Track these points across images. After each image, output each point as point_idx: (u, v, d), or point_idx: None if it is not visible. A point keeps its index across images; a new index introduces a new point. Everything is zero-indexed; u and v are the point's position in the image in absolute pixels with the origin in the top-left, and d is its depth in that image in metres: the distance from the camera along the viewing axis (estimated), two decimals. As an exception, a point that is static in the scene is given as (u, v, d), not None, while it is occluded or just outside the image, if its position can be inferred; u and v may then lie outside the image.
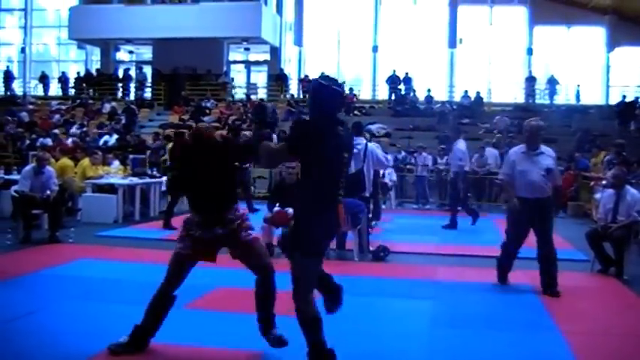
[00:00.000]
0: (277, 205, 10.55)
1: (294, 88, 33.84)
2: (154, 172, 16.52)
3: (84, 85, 34.87)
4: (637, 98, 28.45)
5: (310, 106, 5.16)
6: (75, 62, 38.57)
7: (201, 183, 5.72)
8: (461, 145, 14.87)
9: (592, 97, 31.54)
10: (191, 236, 5.79)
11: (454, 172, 14.96)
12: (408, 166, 21.12)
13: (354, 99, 30.23)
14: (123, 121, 26.83)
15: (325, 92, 5.01)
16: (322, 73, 5.32)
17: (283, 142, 5.15)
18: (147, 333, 5.76)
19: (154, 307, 5.80)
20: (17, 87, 36.35)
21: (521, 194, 8.45)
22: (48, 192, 11.66)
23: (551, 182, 8.47)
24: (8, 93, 34.94)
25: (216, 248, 5.92)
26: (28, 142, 22.57)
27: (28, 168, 12.16)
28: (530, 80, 31.30)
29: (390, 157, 14.13)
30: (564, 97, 31.00)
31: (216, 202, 5.77)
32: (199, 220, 5.78)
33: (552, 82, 30.78)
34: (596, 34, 32.66)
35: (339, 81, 5.21)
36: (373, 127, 24.71)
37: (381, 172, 16.56)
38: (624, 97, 28.45)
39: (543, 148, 8.56)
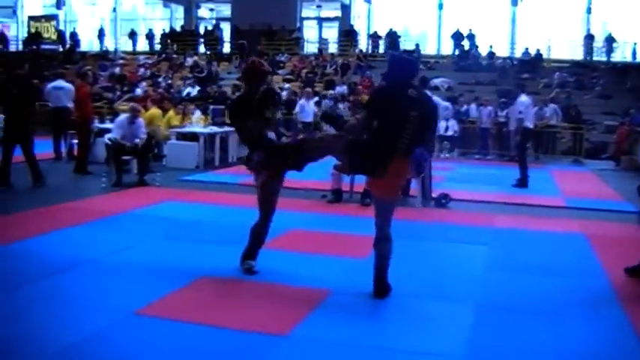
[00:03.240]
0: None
1: (363, 43, 33.56)
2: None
3: (168, 41, 35.24)
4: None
5: (386, 74, 5.75)
6: (160, 20, 38.98)
7: None
8: (523, 99, 13.54)
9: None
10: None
11: (515, 128, 13.81)
12: (469, 119, 20.88)
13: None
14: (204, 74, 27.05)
15: (398, 60, 5.60)
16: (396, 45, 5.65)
17: (364, 111, 5.59)
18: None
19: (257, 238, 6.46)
20: (109, 43, 36.95)
21: None
22: (137, 140, 11.91)
23: None
24: (101, 49, 35.55)
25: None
26: (118, 93, 22.94)
27: (122, 118, 12.37)
28: (589, 38, 30.50)
29: (449, 105, 13.76)
30: (621, 54, 30.14)
31: None
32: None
33: (610, 40, 29.93)
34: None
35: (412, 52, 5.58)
36: (437, 81, 24.48)
37: (444, 123, 16.52)
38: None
39: None
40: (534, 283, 6.38)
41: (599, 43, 30.56)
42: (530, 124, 13.68)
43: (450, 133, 18.31)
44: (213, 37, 34.20)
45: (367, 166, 5.54)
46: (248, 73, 6.43)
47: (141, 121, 12.35)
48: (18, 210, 9.13)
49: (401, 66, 5.54)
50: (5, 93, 11.40)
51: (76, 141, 13.89)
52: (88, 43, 37.39)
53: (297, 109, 17.80)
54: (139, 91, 23.01)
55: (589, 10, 32.22)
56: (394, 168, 5.42)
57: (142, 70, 29.53)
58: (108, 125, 14.21)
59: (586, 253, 7.71)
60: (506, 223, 9.49)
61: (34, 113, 12.16)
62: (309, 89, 20.11)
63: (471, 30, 30.59)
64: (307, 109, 17.30)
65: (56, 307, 5.27)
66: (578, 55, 30.31)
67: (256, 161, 6.12)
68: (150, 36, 35.99)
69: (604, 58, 29.59)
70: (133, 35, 36.32)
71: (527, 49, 29.42)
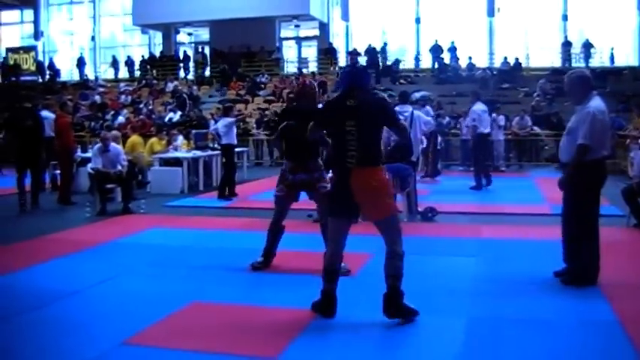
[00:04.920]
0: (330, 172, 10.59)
1: (342, 61, 33.66)
2: (216, 145, 16.68)
3: (148, 67, 35.29)
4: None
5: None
6: (139, 46, 38.95)
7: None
8: (477, 106, 14.52)
9: (626, 58, 30.84)
10: (284, 181, 7.30)
11: (471, 134, 14.83)
12: (452, 131, 20.97)
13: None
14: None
15: (342, 73, 5.81)
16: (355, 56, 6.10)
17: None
18: (270, 253, 7.46)
19: (272, 235, 7.46)
20: (89, 72, 36.85)
21: None
22: (119, 167, 11.87)
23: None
24: (81, 78, 35.49)
25: (298, 190, 7.42)
26: (101, 122, 22.92)
27: (95, 147, 12.42)
28: (566, 45, 30.74)
29: (431, 119, 14.13)
30: (599, 59, 30.34)
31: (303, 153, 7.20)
32: (290, 167, 7.29)
33: (587, 46, 30.16)
34: (628, -3, 31.82)
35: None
36: (418, 95, 24.56)
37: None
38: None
39: (588, 103, 6.55)
40: (524, 293, 6.37)
41: (576, 49, 30.79)
42: (485, 130, 14.44)
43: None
44: (199, 61, 34.44)
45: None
46: (300, 93, 7.57)
47: (117, 147, 12.31)
48: (2, 243, 9.05)
49: (344, 77, 5.63)
50: (18, 124, 12.23)
51: (58, 171, 13.83)
52: (68, 73, 37.32)
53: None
54: (121, 119, 23.00)
55: (565, 17, 32.41)
56: (361, 181, 5.32)
57: (122, 97, 29.54)
58: (90, 154, 14.17)
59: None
60: (493, 233, 9.51)
61: (44, 143, 12.84)
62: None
63: (453, 42, 30.78)
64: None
65: (43, 341, 5.21)
66: (557, 62, 30.51)
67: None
68: (129, 63, 35.99)
69: (582, 64, 29.77)
70: (115, 63, 36.33)
71: (505, 58, 29.62)
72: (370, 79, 6.03)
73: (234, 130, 14.25)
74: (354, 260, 7.02)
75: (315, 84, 8.12)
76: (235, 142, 14.21)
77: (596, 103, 6.51)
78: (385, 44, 32.44)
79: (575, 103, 6.78)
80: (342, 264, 6.65)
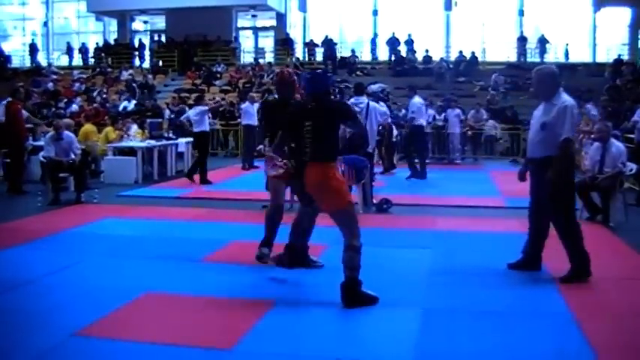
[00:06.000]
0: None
1: (299, 52, 33.64)
2: (171, 135, 16.57)
3: (102, 54, 34.81)
4: (619, 55, 29.06)
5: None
6: (94, 33, 38.44)
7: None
8: (415, 99, 15.49)
9: (580, 55, 31.31)
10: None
11: (409, 126, 15.70)
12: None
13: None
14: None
15: (303, 79, 6.46)
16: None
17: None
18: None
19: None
20: (42, 59, 36.22)
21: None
22: (72, 156, 11.70)
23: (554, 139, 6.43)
24: (33, 64, 34.87)
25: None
26: (53, 109, 22.54)
27: (48, 135, 12.22)
28: (522, 40, 31.08)
29: (386, 109, 14.47)
30: (554, 55, 30.76)
31: None
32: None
33: (542, 41, 30.59)
34: (583, -5, 32.32)
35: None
36: (374, 87, 24.60)
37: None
38: (620, 55, 28.95)
39: (560, 98, 6.53)
40: (479, 284, 6.43)
41: (532, 44, 31.17)
42: (422, 122, 15.62)
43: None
44: (156, 50, 34.12)
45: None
46: (279, 82, 7.34)
47: (70, 136, 12.11)
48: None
49: (305, 84, 6.15)
50: None
51: (8, 160, 13.58)
52: (20, 59, 36.67)
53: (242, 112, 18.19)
54: (74, 107, 22.67)
55: (521, 13, 32.82)
56: (312, 175, 5.74)
57: (76, 85, 29.11)
58: (42, 143, 13.94)
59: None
60: (448, 225, 9.57)
61: None
62: (252, 94, 20.16)
63: (410, 35, 30.89)
64: (251, 111, 17.30)
65: (-8, 332, 5.13)
66: (513, 57, 30.84)
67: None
68: (83, 50, 35.44)
69: (537, 59, 30.16)
70: (69, 50, 35.74)
71: (461, 52, 29.84)
72: (329, 82, 6.36)
73: (207, 118, 14.70)
74: (310, 251, 7.02)
75: (292, 71, 8.24)
76: (208, 129, 14.82)
77: (568, 98, 6.60)
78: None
79: (543, 98, 6.77)
80: (315, 258, 7.01)
